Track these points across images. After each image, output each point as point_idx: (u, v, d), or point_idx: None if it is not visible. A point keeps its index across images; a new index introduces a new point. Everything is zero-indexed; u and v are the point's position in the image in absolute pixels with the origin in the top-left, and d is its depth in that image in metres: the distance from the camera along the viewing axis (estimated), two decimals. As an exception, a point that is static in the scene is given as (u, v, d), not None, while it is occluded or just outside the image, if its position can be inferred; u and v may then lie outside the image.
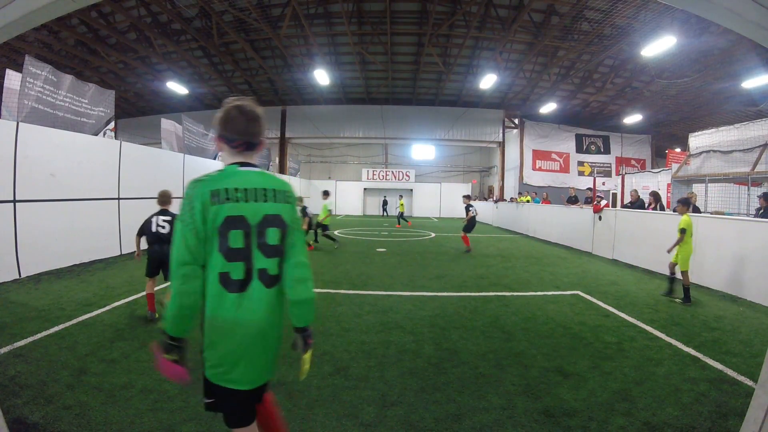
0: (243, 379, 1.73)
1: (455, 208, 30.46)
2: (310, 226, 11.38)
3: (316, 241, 11.87)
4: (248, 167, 1.76)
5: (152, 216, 5.26)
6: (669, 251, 6.90)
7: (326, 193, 12.47)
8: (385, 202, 30.17)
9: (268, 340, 1.78)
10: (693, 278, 7.68)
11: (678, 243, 6.61)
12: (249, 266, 1.69)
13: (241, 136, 1.74)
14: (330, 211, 12.03)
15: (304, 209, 10.75)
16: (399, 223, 21.14)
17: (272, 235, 1.73)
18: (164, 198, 5.39)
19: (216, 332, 1.69)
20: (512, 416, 2.92)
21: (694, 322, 5.29)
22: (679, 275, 6.67)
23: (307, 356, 1.97)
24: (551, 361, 3.93)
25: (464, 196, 12.71)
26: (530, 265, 9.51)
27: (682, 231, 6.58)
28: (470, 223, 12.07)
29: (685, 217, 6.66)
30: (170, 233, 5.18)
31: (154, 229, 5.16)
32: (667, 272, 7.00)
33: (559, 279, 7.99)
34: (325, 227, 11.93)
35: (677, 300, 6.49)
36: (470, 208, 12.12)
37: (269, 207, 1.72)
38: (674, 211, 8.04)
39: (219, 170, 1.74)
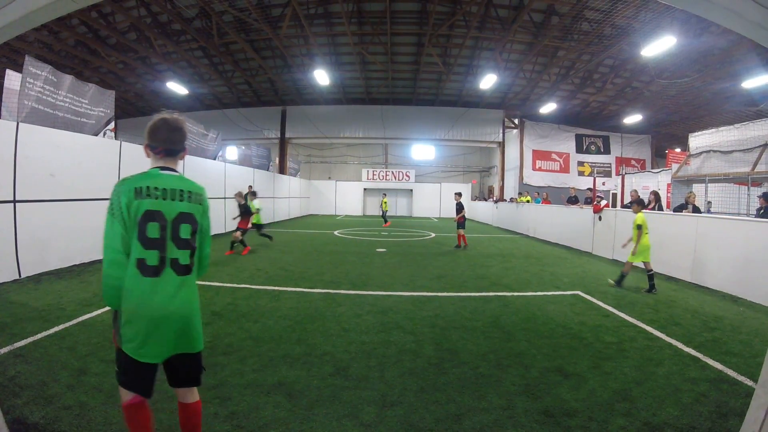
0: (150, 354, 1.97)
1: (454, 209, 30.52)
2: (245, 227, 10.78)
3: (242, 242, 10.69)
4: (168, 171, 2.06)
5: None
6: (623, 246, 7.76)
7: (254, 194, 12.83)
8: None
9: (177, 322, 2.00)
10: (693, 278, 7.72)
11: (633, 239, 7.26)
12: (163, 255, 1.96)
13: (162, 144, 2.04)
14: (258, 210, 12.24)
15: (245, 206, 10.71)
16: (386, 222, 21.13)
17: (185, 230, 2.02)
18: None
19: (131, 311, 1.93)
20: (512, 416, 2.92)
21: (694, 323, 5.29)
22: (641, 266, 7.34)
23: None
24: (551, 361, 3.93)
25: (456, 193, 12.99)
26: (530, 265, 9.51)
27: (638, 227, 7.17)
28: (464, 220, 12.64)
29: (639, 215, 7.25)
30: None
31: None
32: (667, 271, 7.19)
33: (559, 279, 7.99)
34: (260, 227, 12.40)
35: (643, 290, 7.07)
36: (463, 208, 12.65)
37: (184, 206, 2.02)
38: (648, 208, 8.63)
39: (143, 172, 2.03)
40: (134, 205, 1.91)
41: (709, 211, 11.87)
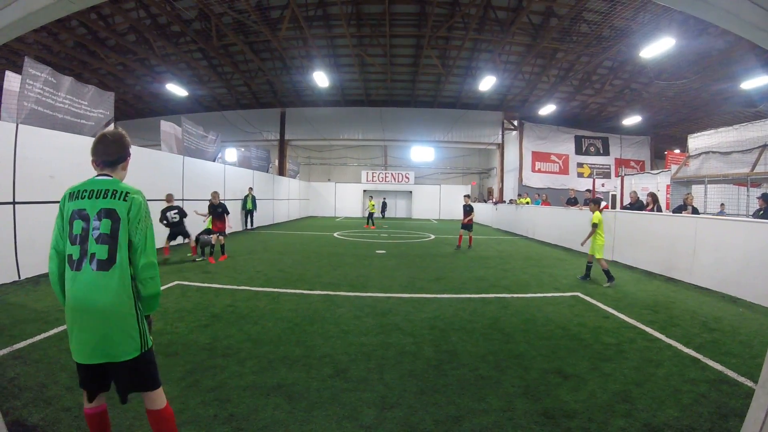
0: (76, 351, 2.05)
1: (455, 210, 30.51)
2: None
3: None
4: (103, 176, 2.22)
5: (166, 211, 9.54)
6: (582, 244, 8.28)
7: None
8: (384, 205, 30.17)
9: (94, 317, 2.02)
10: (692, 279, 7.73)
11: (590, 236, 7.93)
12: (84, 249, 2.05)
13: (97, 156, 2.23)
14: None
15: (222, 206, 9.93)
16: (372, 225, 20.76)
17: (105, 225, 2.06)
18: (170, 198, 9.90)
19: (65, 305, 2.09)
20: (512, 418, 2.92)
21: (694, 323, 5.29)
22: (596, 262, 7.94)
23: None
24: (551, 362, 3.93)
25: (465, 196, 13.58)
26: (529, 266, 9.50)
27: (594, 225, 7.84)
28: (471, 223, 13.08)
29: (596, 213, 7.92)
30: (180, 220, 9.69)
31: (170, 219, 9.51)
32: (666, 272, 7.16)
33: (558, 280, 7.99)
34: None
35: (605, 285, 7.55)
36: (472, 210, 13.20)
37: (106, 202, 2.09)
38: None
39: (85, 180, 2.21)
40: (67, 207, 2.13)
41: (721, 213, 11.85)
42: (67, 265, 2.07)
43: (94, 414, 2.18)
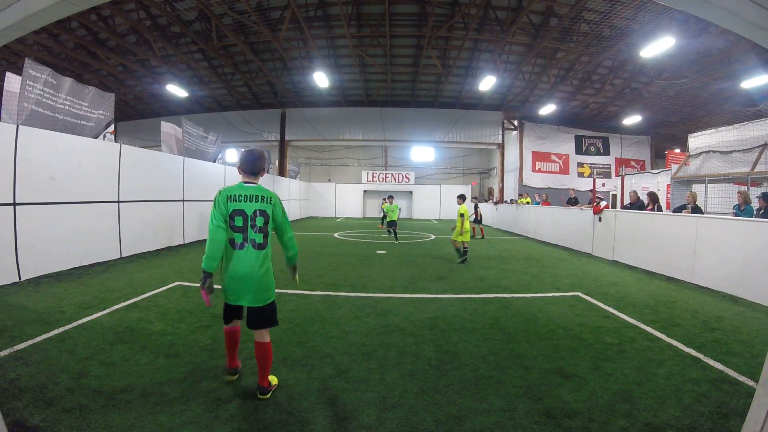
0: (230, 297, 3.18)
1: (455, 210, 30.43)
2: None
3: None
4: (251, 184, 3.24)
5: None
6: (452, 229, 10.39)
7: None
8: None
9: (252, 279, 3.12)
10: (693, 278, 7.74)
11: (458, 224, 9.91)
12: (245, 236, 3.11)
13: (245, 166, 3.24)
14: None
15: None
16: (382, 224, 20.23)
17: (260, 221, 3.12)
18: None
19: (224, 271, 3.19)
20: (513, 418, 2.92)
21: (695, 323, 5.29)
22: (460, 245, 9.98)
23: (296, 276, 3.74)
24: (552, 362, 3.93)
25: (473, 198, 17.23)
26: (530, 266, 9.50)
27: (461, 215, 9.88)
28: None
29: (462, 206, 10.01)
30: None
31: None
32: (667, 272, 7.12)
33: (559, 280, 7.98)
34: None
35: (458, 261, 9.74)
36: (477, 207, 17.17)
37: (259, 205, 3.15)
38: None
39: (237, 185, 3.25)
40: (228, 206, 3.06)
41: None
42: (229, 246, 3.06)
43: (231, 331, 3.39)
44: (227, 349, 3.42)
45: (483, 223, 18.36)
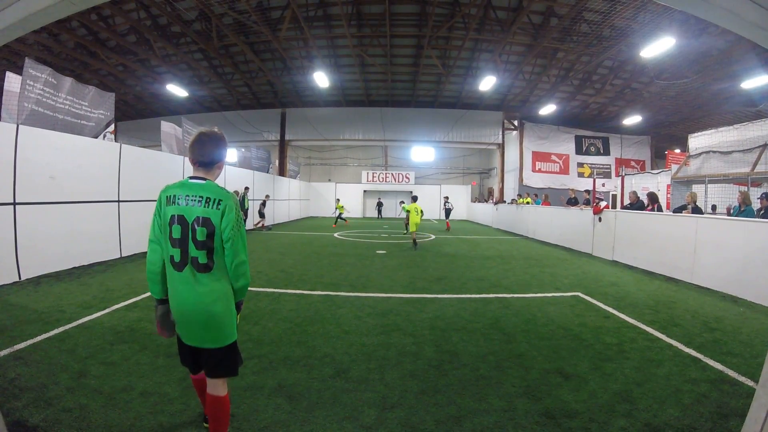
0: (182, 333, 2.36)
1: (455, 210, 30.46)
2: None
3: None
4: (197, 180, 2.31)
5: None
6: (406, 224, 14.03)
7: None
8: (380, 204, 30.22)
9: (194, 313, 2.26)
10: (693, 278, 7.73)
11: (408, 218, 13.46)
12: (185, 252, 2.22)
13: (193, 156, 2.33)
14: None
15: None
16: (336, 223, 21.37)
17: (201, 233, 2.19)
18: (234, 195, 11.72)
19: (169, 298, 2.36)
20: (513, 418, 2.92)
21: (695, 323, 5.29)
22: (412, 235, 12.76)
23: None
24: (552, 362, 3.93)
25: (445, 198, 21.90)
26: (530, 266, 9.50)
27: (407, 212, 13.12)
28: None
29: (412, 204, 12.77)
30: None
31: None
32: (667, 272, 7.19)
33: (559, 280, 7.98)
34: None
35: (413, 248, 12.26)
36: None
37: (201, 211, 2.21)
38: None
39: (179, 182, 2.32)
40: (165, 211, 2.23)
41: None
42: (169, 264, 2.23)
43: (197, 379, 2.53)
44: (200, 397, 2.61)
45: (450, 217, 23.28)
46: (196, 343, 2.29)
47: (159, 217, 2.26)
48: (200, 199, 2.19)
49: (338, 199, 24.38)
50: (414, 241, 12.59)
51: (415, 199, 13.36)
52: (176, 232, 2.19)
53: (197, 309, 2.19)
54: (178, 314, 2.26)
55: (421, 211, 12.95)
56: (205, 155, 2.29)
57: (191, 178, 2.28)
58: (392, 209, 31.08)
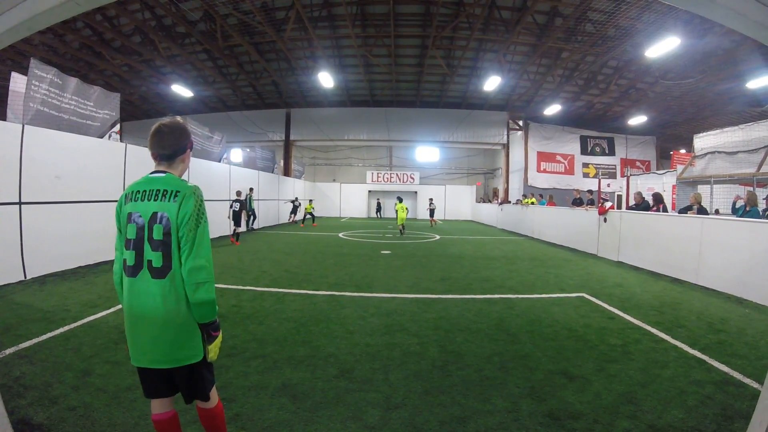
0: (135, 356, 1.98)
1: (460, 210, 30.49)
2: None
3: None
4: (158, 173, 2.06)
5: (232, 202, 13.36)
6: (401, 226, 16.90)
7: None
8: (379, 204, 30.31)
9: (150, 325, 1.93)
10: (699, 280, 7.70)
11: (398, 214, 16.70)
12: (140, 255, 1.93)
13: (153, 149, 2.07)
14: None
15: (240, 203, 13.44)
16: (302, 223, 21.17)
17: (157, 230, 1.91)
18: (237, 194, 13.67)
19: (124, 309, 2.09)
20: (517, 419, 2.91)
21: (700, 324, 5.26)
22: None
23: (211, 346, 2.09)
24: (556, 363, 3.91)
25: (430, 199, 24.81)
26: (535, 267, 9.47)
27: (396, 211, 16.51)
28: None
29: (399, 204, 16.58)
30: (239, 209, 13.11)
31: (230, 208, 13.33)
32: (672, 273, 7.24)
33: (563, 281, 7.96)
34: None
35: (398, 235, 15.55)
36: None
37: (157, 205, 1.95)
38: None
39: (142, 178, 2.05)
40: (123, 210, 1.98)
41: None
42: (122, 271, 1.96)
43: (159, 420, 2.08)
44: None
45: (434, 216, 24.53)
46: (148, 363, 1.95)
47: (118, 219, 2.00)
48: (156, 192, 1.92)
49: (311, 200, 23.70)
50: (400, 230, 16.89)
51: (400, 199, 17.50)
52: (131, 232, 1.92)
53: (156, 320, 1.89)
54: (132, 326, 1.94)
55: (406, 209, 17.08)
56: (165, 147, 2.02)
57: (152, 173, 2.03)
58: (392, 209, 31.13)
